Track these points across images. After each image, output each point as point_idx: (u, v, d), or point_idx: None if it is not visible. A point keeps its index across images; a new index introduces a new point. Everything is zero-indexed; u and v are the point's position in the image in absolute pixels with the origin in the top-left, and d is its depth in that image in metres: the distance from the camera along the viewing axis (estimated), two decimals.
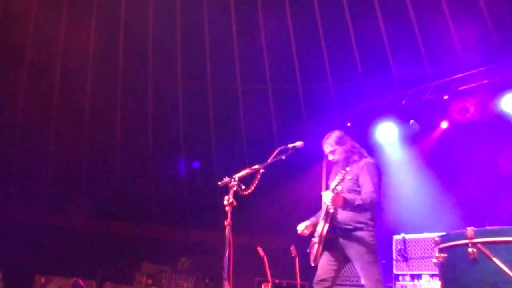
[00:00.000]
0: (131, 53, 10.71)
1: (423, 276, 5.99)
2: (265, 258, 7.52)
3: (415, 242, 6.22)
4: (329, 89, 10.45)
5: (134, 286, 8.25)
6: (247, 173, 3.88)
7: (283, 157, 4.35)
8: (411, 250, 6.20)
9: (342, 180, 3.84)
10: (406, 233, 6.38)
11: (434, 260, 3.20)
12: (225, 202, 3.63)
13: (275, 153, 4.21)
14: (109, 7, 10.17)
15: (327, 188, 4.18)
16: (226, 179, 3.78)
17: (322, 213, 4.15)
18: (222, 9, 10.51)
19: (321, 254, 4.12)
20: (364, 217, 4.07)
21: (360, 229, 4.05)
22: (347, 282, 6.57)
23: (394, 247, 6.39)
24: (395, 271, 6.28)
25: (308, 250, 4.29)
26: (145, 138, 11.30)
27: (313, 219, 4.40)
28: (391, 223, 7.85)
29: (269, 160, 4.13)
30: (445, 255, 3.12)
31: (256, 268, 7.90)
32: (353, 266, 6.50)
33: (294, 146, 4.34)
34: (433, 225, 6.87)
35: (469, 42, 8.55)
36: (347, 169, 3.90)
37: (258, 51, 10.62)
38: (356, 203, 3.96)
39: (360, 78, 9.99)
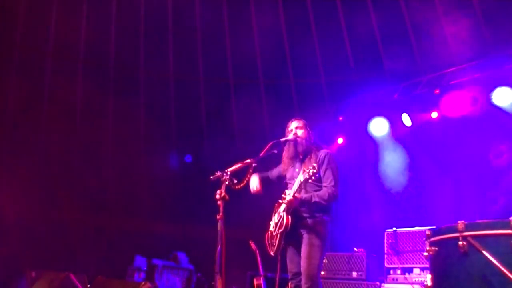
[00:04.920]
0: (123, 47, 10.64)
1: (414, 270, 6.04)
2: (257, 252, 7.54)
3: (406, 235, 6.26)
4: (321, 83, 10.46)
5: (126, 280, 8.24)
6: (239, 167, 3.90)
7: (275, 151, 4.38)
8: (402, 243, 6.24)
9: (308, 178, 3.94)
10: (398, 226, 6.42)
11: (425, 254, 3.23)
12: (217, 196, 3.64)
13: (267, 147, 4.23)
14: None
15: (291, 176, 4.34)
16: (218, 173, 3.79)
17: (282, 207, 4.18)
18: (214, 2, 10.47)
19: (284, 247, 4.17)
20: (320, 206, 4.14)
21: (316, 217, 4.12)
22: (338, 276, 6.60)
23: (385, 240, 6.43)
24: (386, 265, 6.32)
25: (267, 241, 4.33)
26: (137, 132, 11.25)
27: (261, 175, 4.50)
28: (382, 216, 7.90)
29: (261, 154, 4.15)
30: (436, 248, 3.14)
31: (248, 262, 7.91)
32: (343, 260, 6.60)
33: (286, 140, 4.37)
34: (424, 219, 6.93)
35: (460, 36, 8.57)
36: (314, 165, 3.96)
37: (250, 44, 10.59)
38: (313, 200, 4.08)
39: (352, 73, 10.00)
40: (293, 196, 4.03)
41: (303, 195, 4.12)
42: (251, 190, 4.46)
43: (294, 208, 4.10)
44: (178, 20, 10.57)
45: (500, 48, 7.61)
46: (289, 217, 4.07)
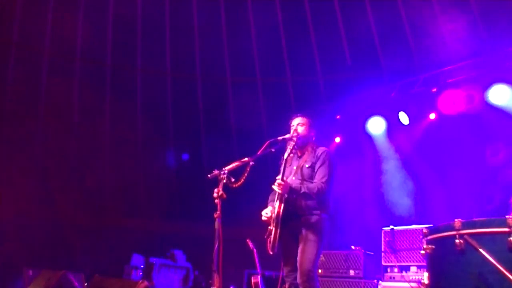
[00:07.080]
0: (120, 45, 10.61)
1: (411, 268, 6.04)
2: (255, 250, 7.55)
3: (403, 233, 6.26)
4: (318, 81, 10.46)
5: (123, 279, 8.23)
6: (236, 165, 3.89)
7: (273, 150, 4.37)
8: (400, 241, 6.25)
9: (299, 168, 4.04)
10: (395, 224, 6.42)
11: (422, 252, 3.23)
12: (215, 195, 3.64)
13: (264, 146, 4.23)
14: None
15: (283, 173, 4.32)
16: (216, 171, 3.79)
17: (276, 196, 4.21)
18: (212, 0, 10.45)
19: (279, 240, 4.15)
20: (317, 204, 4.17)
21: (313, 214, 4.15)
22: (335, 274, 6.61)
23: (383, 238, 6.44)
24: (383, 263, 6.33)
25: (266, 237, 4.31)
26: (134, 130, 11.23)
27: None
28: (379, 214, 7.92)
29: (258, 153, 4.15)
30: (433, 246, 3.15)
31: (245, 261, 7.92)
32: (341, 258, 6.60)
33: (283, 139, 4.36)
34: (421, 217, 6.94)
35: (457, 35, 8.59)
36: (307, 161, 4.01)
37: (247, 42, 10.58)
38: (302, 190, 4.11)
39: (349, 71, 10.00)
40: (282, 179, 4.05)
41: (293, 183, 4.15)
42: (263, 217, 4.41)
43: (286, 195, 4.09)
44: (175, 18, 10.55)
45: (497, 46, 7.62)
46: (281, 205, 4.08)
